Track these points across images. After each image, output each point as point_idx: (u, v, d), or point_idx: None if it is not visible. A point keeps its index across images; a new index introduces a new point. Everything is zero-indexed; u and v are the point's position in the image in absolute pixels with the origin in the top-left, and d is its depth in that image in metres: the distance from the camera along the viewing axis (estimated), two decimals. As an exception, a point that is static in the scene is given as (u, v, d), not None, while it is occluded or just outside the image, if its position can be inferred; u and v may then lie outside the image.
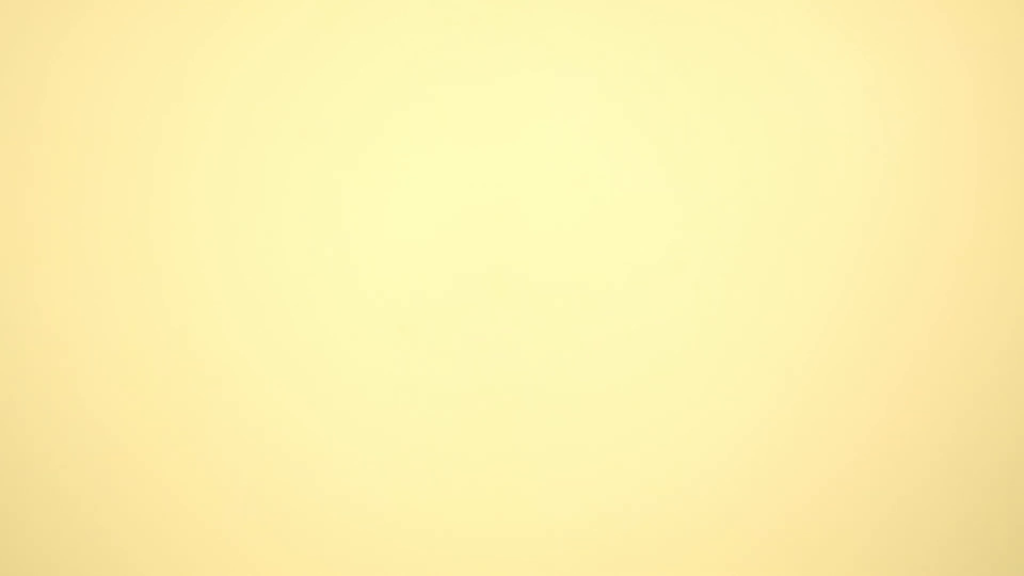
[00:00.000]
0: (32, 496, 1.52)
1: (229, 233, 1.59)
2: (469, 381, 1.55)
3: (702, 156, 1.51)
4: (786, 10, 1.49)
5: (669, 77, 1.52)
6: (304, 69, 1.56)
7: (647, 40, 1.52)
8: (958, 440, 1.49)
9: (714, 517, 1.54)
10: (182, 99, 1.56)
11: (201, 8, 1.56)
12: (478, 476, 1.55)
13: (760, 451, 1.53)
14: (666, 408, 1.53)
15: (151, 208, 1.58)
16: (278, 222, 1.58)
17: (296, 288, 1.57)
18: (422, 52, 1.54)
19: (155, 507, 1.62)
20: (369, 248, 1.55)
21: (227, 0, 1.56)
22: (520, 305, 1.54)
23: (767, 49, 1.50)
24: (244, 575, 1.60)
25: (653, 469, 1.55)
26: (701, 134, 1.51)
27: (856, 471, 1.51)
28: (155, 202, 1.58)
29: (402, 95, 1.54)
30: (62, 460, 1.60)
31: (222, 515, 1.59)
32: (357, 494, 1.57)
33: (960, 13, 1.47)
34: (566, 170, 1.53)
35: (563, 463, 1.54)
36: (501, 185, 1.54)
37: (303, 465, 1.58)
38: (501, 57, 1.54)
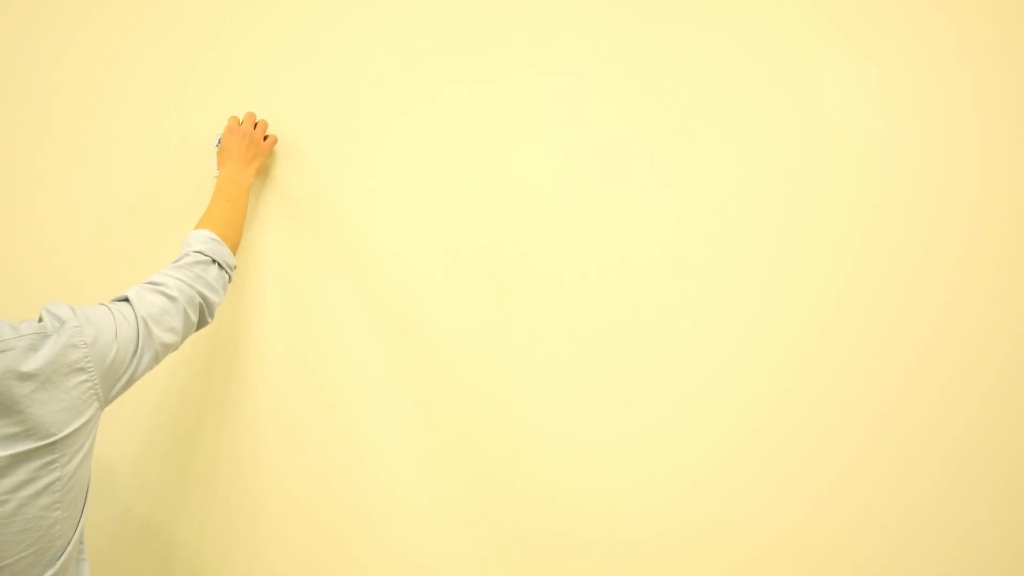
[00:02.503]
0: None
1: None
2: (468, 382, 1.55)
3: (701, 155, 1.50)
4: (785, 11, 1.49)
5: (668, 76, 1.51)
6: (305, 69, 1.56)
7: (646, 40, 1.51)
8: (963, 437, 1.47)
9: (713, 515, 1.53)
10: (189, 100, 1.56)
11: (206, 10, 1.56)
12: (476, 470, 1.55)
13: (760, 449, 1.51)
14: (664, 404, 1.52)
15: (159, 204, 1.58)
16: (278, 222, 1.58)
17: (297, 287, 1.57)
18: (424, 52, 1.54)
19: (157, 502, 1.62)
20: (370, 247, 1.56)
21: (232, 1, 1.56)
22: (520, 302, 1.54)
23: (766, 49, 1.49)
24: (238, 563, 1.60)
25: (650, 463, 1.54)
26: (700, 133, 1.50)
27: (858, 468, 1.49)
28: (163, 199, 1.59)
29: (401, 95, 1.54)
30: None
31: (217, 509, 1.60)
32: (359, 485, 1.57)
33: (960, 14, 1.46)
34: (566, 169, 1.53)
35: (561, 458, 1.54)
36: (501, 184, 1.54)
37: (304, 459, 1.58)
38: (502, 57, 1.54)
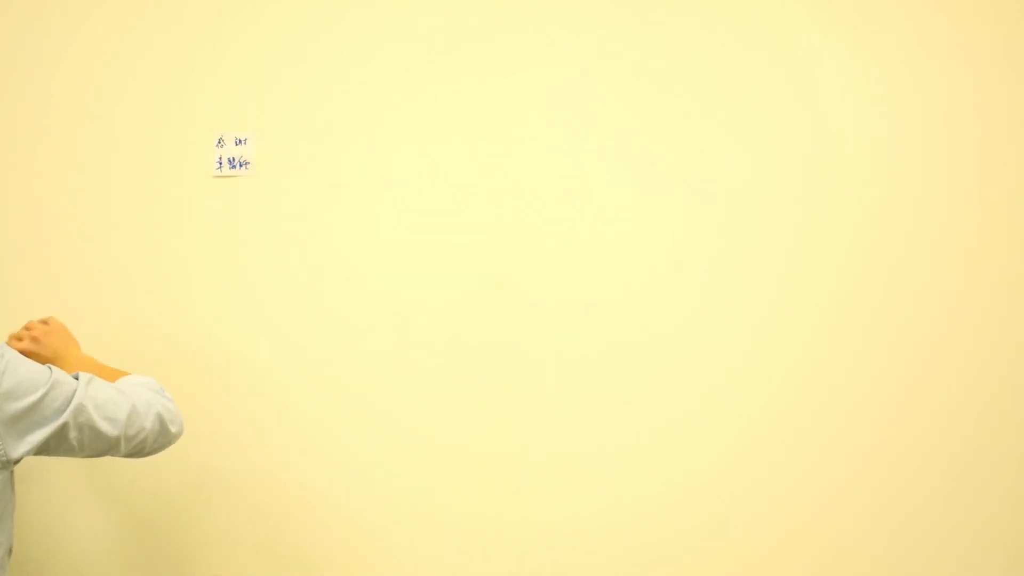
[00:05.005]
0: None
1: (233, 233, 1.59)
2: (469, 383, 1.54)
3: (708, 155, 1.50)
4: (792, 10, 1.48)
5: (674, 76, 1.51)
6: (305, 67, 1.55)
7: (651, 39, 1.51)
8: (968, 440, 1.45)
9: (719, 519, 1.52)
10: (186, 100, 1.55)
11: (206, 11, 1.55)
12: (476, 479, 1.54)
13: (768, 454, 1.49)
14: (671, 412, 1.51)
15: (158, 211, 1.58)
16: (279, 222, 1.57)
17: (298, 288, 1.57)
18: (423, 52, 1.53)
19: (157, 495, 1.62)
20: (370, 248, 1.55)
21: (232, 2, 1.55)
22: (520, 305, 1.54)
23: (773, 49, 1.49)
24: (238, 563, 1.59)
25: (656, 474, 1.52)
26: (707, 134, 1.50)
27: (864, 471, 1.48)
28: (161, 204, 1.58)
29: (402, 95, 1.53)
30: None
31: (220, 511, 1.59)
32: (358, 491, 1.56)
33: (963, 14, 1.46)
34: (570, 170, 1.52)
35: (564, 467, 1.53)
36: (503, 184, 1.54)
37: (305, 462, 1.58)
38: (504, 56, 1.53)
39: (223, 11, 1.54)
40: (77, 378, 1.15)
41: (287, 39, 1.54)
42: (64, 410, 1.10)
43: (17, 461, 1.08)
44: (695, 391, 1.49)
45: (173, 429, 1.24)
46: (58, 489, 1.55)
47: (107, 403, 1.15)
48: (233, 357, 1.54)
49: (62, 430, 1.10)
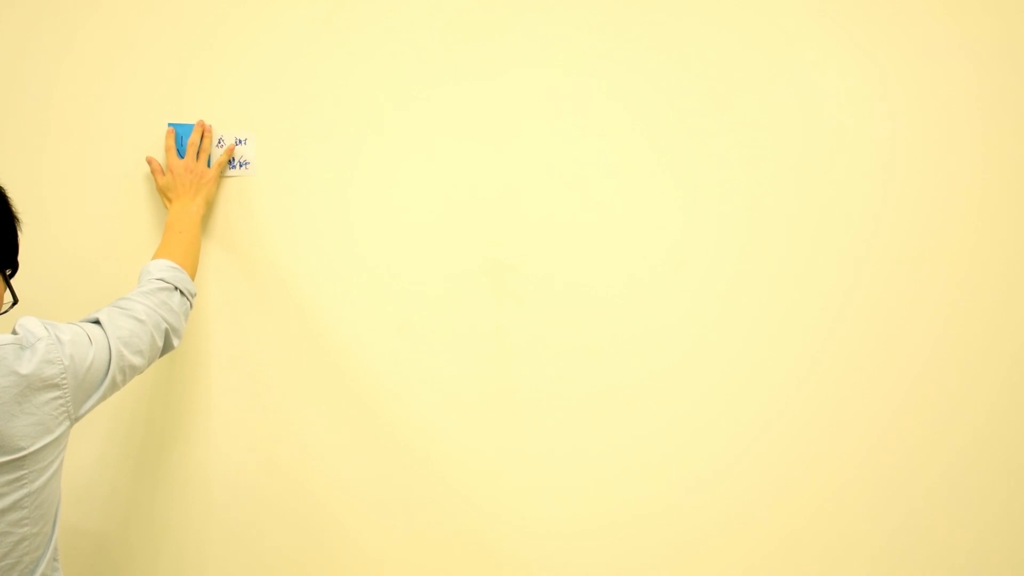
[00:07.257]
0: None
1: (233, 233, 1.59)
2: (469, 384, 1.54)
3: (704, 154, 1.50)
4: (790, 11, 1.49)
5: (673, 76, 1.51)
6: (304, 66, 1.55)
7: (651, 39, 1.51)
8: (968, 439, 1.46)
9: (719, 519, 1.53)
10: (186, 100, 1.56)
11: (205, 10, 1.56)
12: (476, 475, 1.54)
13: (768, 453, 1.50)
14: (668, 409, 1.52)
15: (158, 211, 1.58)
16: (279, 222, 1.57)
17: (298, 287, 1.57)
18: (422, 51, 1.53)
19: (153, 501, 1.62)
20: (371, 247, 1.55)
21: (232, 2, 1.56)
22: (519, 304, 1.54)
23: (772, 49, 1.49)
24: (232, 563, 1.59)
25: (656, 473, 1.53)
26: (703, 133, 1.51)
27: (866, 472, 1.49)
28: (161, 204, 1.58)
29: (402, 94, 1.53)
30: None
31: (218, 511, 1.59)
32: (357, 491, 1.56)
33: (964, 13, 1.47)
34: (567, 168, 1.52)
35: (562, 463, 1.53)
36: (502, 183, 1.54)
37: (303, 461, 1.58)
38: (501, 56, 1.53)
39: (223, 10, 1.54)
40: (97, 321, 1.22)
41: (287, 39, 1.54)
42: (108, 366, 1.19)
43: (79, 418, 1.16)
44: (694, 390, 1.50)
45: (176, 342, 1.34)
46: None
47: (132, 337, 1.24)
48: (233, 355, 1.54)
49: (112, 381, 1.19)
